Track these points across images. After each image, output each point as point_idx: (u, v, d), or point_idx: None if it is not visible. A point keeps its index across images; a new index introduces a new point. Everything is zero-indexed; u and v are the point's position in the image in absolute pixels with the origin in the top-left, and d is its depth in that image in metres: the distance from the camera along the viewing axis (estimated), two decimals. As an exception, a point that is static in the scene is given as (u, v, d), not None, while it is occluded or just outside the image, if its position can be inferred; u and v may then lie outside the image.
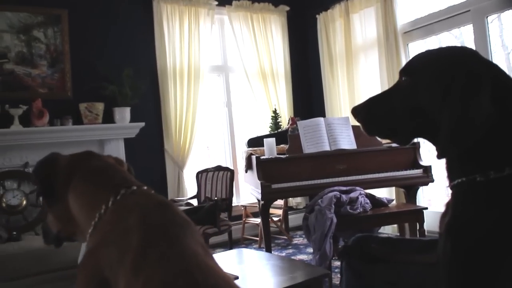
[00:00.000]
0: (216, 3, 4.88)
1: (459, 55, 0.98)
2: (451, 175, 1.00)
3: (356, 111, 1.11)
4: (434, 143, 1.03)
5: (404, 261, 2.06)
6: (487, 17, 3.74)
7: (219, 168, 4.26)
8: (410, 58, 1.09)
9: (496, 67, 0.97)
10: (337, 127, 3.71)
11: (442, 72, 0.95)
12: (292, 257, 3.95)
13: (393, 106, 1.05)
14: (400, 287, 2.00)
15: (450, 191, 1.01)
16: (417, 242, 2.18)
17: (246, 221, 4.68)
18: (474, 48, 3.63)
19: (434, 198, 3.96)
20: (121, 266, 0.86)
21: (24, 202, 3.59)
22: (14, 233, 3.34)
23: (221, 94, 5.23)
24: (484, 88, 0.89)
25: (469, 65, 0.94)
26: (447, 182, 1.01)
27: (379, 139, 3.77)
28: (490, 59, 3.64)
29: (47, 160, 1.10)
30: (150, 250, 0.85)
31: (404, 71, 1.06)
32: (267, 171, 3.45)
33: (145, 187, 1.04)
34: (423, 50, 1.07)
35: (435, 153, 0.99)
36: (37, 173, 1.09)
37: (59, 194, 1.07)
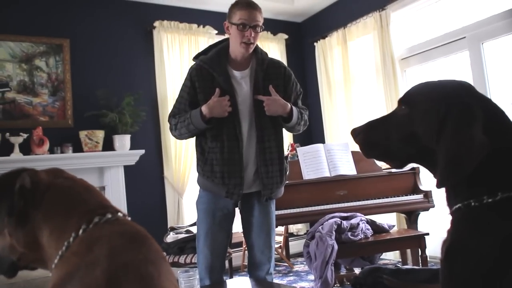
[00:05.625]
0: (216, 32, 4.96)
1: (454, 88, 1.03)
2: (450, 202, 1.03)
3: (355, 133, 1.16)
4: (429, 169, 1.07)
5: None
6: (482, 43, 3.80)
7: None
8: (409, 86, 1.13)
9: (487, 100, 1.02)
10: (336, 153, 3.72)
11: (438, 104, 1.00)
12: (294, 285, 3.89)
13: (390, 131, 1.09)
14: None
15: (451, 218, 1.02)
16: (428, 272, 2.17)
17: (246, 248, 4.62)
18: (471, 73, 3.71)
19: (436, 223, 3.93)
20: None
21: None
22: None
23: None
24: (477, 119, 0.94)
25: (463, 98, 0.99)
26: (447, 209, 1.03)
27: (378, 164, 3.78)
28: (486, 85, 3.70)
29: (13, 173, 0.95)
30: None
31: (402, 100, 1.10)
32: (267, 198, 3.44)
33: (121, 214, 0.94)
34: (422, 81, 1.12)
35: (435, 180, 1.01)
36: (2, 186, 0.93)
37: (27, 213, 0.92)
